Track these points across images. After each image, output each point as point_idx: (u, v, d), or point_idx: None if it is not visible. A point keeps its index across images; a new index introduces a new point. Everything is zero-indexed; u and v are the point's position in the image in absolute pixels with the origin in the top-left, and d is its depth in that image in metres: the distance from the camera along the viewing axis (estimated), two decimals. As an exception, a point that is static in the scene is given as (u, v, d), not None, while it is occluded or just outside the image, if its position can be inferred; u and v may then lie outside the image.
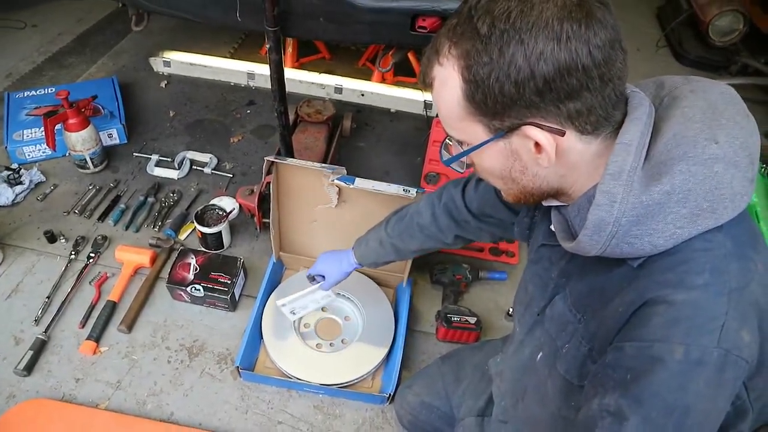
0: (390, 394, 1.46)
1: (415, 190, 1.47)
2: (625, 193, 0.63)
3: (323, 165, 1.48)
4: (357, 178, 1.48)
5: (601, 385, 0.65)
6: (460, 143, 0.72)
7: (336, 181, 1.47)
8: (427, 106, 2.47)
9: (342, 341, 1.63)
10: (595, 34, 0.60)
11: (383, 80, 2.60)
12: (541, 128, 0.65)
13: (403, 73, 2.63)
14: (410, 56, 2.49)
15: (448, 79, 0.66)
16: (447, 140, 0.78)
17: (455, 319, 1.67)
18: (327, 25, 1.38)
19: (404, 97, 2.50)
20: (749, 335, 0.61)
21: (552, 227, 0.84)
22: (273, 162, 1.47)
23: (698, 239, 0.63)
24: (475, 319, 1.68)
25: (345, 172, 1.48)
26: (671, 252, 0.64)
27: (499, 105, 0.64)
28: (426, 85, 0.71)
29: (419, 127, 2.47)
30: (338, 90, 2.50)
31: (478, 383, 1.25)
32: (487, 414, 1.19)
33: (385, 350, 1.58)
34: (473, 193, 1.17)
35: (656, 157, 0.65)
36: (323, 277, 1.43)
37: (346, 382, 1.51)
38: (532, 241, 1.00)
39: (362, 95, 2.51)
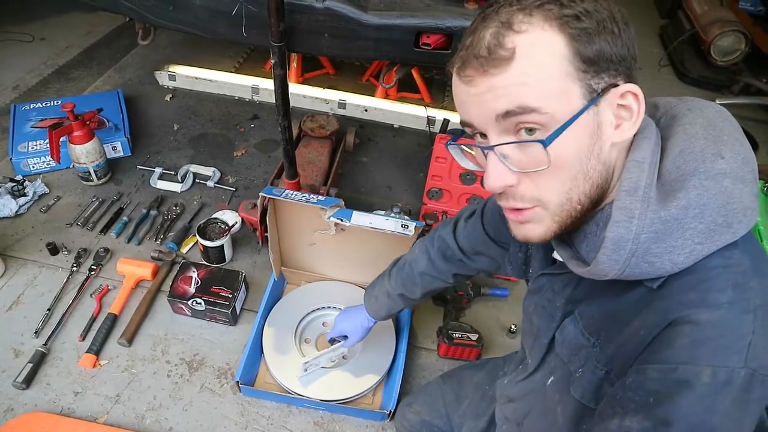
0: (390, 411, 1.45)
1: (414, 224, 1.45)
2: (642, 209, 0.62)
3: (319, 199, 1.47)
4: (354, 213, 1.46)
5: (621, 406, 0.64)
6: (531, 130, 0.62)
7: (332, 218, 1.47)
8: (430, 121, 2.48)
9: (343, 357, 1.61)
10: (630, 29, 0.64)
11: (387, 96, 2.61)
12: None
13: (406, 89, 2.65)
14: (414, 73, 2.52)
15: (544, 40, 0.60)
16: (453, 144, 0.74)
17: (457, 335, 1.66)
18: (332, 41, 1.39)
19: (407, 112, 2.51)
20: None
21: (555, 255, 0.83)
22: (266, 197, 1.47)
23: (716, 257, 0.62)
24: (477, 335, 1.67)
25: (343, 204, 1.48)
26: (690, 271, 0.62)
27: (604, 59, 0.61)
28: (496, 60, 0.61)
29: (422, 142, 2.48)
30: (342, 105, 2.52)
31: (479, 403, 1.24)
32: (489, 435, 1.18)
33: (386, 366, 1.57)
34: (463, 233, 1.17)
35: (667, 174, 0.64)
36: (345, 337, 1.45)
37: (347, 399, 1.50)
38: (532, 273, 0.97)
39: (365, 110, 2.53)
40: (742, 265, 0.62)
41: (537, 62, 0.60)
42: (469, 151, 0.77)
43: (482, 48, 0.62)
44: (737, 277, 0.61)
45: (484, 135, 0.67)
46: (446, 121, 2.27)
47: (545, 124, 0.61)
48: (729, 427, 0.58)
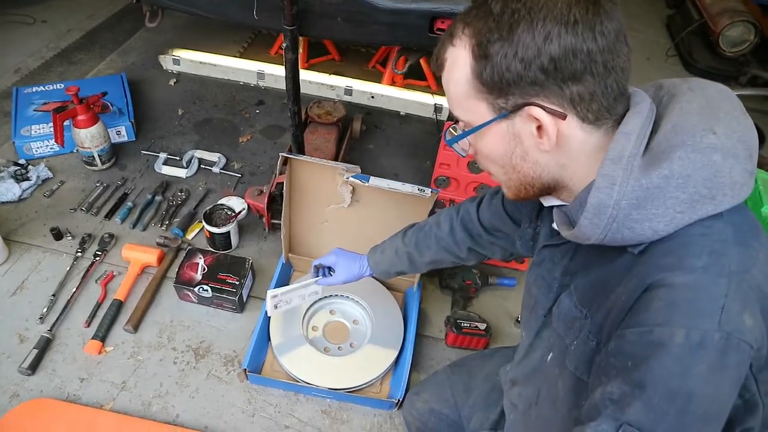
0: (399, 400, 1.44)
1: (430, 190, 1.46)
2: (624, 176, 0.64)
3: (338, 162, 1.46)
4: (372, 177, 1.46)
5: (605, 374, 0.65)
6: (464, 126, 0.75)
7: (351, 179, 1.46)
8: (437, 109, 2.46)
9: (350, 345, 1.61)
10: (602, 22, 0.63)
11: (393, 83, 2.58)
12: (544, 109, 0.66)
13: (413, 76, 2.62)
14: (422, 60, 2.48)
15: (459, 58, 0.69)
16: (451, 128, 0.80)
17: (465, 325, 1.65)
18: (345, 26, 1.36)
19: (414, 100, 2.49)
20: (752, 319, 0.60)
21: (554, 226, 0.85)
22: (286, 160, 1.45)
23: (698, 225, 0.63)
24: (485, 325, 1.66)
25: (359, 170, 1.47)
26: (670, 238, 0.64)
27: (505, 82, 0.66)
28: (438, 66, 0.74)
29: (428, 130, 2.46)
30: (348, 92, 2.49)
31: (488, 394, 1.23)
32: (500, 427, 1.17)
33: (394, 355, 1.56)
34: (486, 209, 1.19)
35: (655, 146, 0.66)
36: (331, 270, 1.42)
37: (355, 387, 1.49)
38: (537, 250, 1.00)
39: (372, 97, 2.50)
40: (722, 234, 0.63)
41: (453, 77, 0.71)
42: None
43: (435, 51, 0.75)
44: (715, 244, 0.62)
45: None
46: (454, 109, 2.24)
47: (465, 125, 0.74)
48: (707, 393, 0.59)
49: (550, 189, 0.76)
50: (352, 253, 1.42)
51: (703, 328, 0.58)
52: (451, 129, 0.80)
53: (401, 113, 2.52)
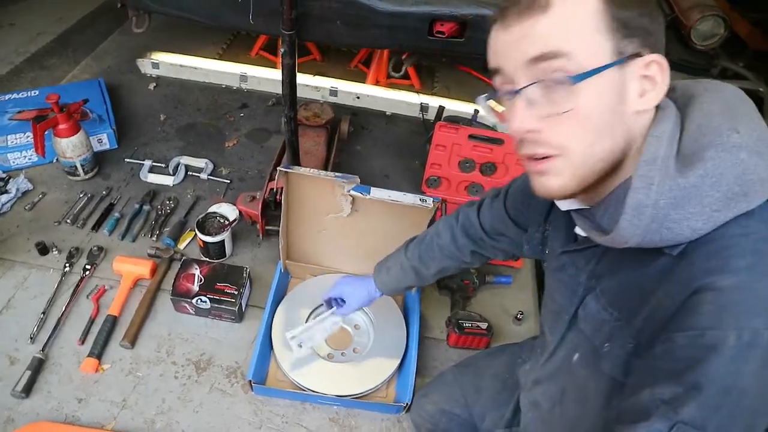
0: (407, 404, 1.44)
1: (431, 199, 1.45)
2: (661, 176, 0.65)
3: (337, 174, 1.44)
4: (372, 188, 1.45)
5: (651, 376, 0.66)
6: (558, 82, 0.66)
7: (351, 192, 1.44)
8: (424, 108, 2.45)
9: (354, 350, 1.60)
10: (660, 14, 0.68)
11: (377, 82, 2.57)
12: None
13: (396, 76, 2.61)
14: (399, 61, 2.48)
15: None
16: (483, 100, 0.76)
17: (467, 325, 1.66)
18: (344, 29, 1.35)
19: (400, 99, 2.48)
20: None
21: (577, 231, 0.85)
22: (285, 171, 1.43)
23: (734, 225, 0.64)
24: (486, 324, 1.67)
25: (358, 181, 1.45)
26: (710, 240, 0.65)
27: (633, 23, 0.65)
28: (538, 7, 0.65)
29: (415, 130, 2.45)
30: (333, 92, 2.46)
31: (500, 392, 1.24)
32: (514, 425, 1.19)
33: (398, 358, 1.55)
34: (487, 212, 1.19)
35: (685, 148, 0.67)
36: (342, 301, 1.42)
37: (361, 393, 1.48)
38: (548, 253, 1.00)
39: (358, 98, 2.48)
40: (760, 233, 0.64)
41: (571, 12, 0.65)
42: (497, 110, 0.78)
43: None
44: (756, 243, 0.63)
45: (506, 91, 0.71)
46: (441, 108, 2.24)
47: (573, 72, 0.65)
48: (757, 388, 0.61)
49: (615, 170, 0.72)
50: (357, 277, 1.42)
51: (753, 327, 0.59)
52: (518, 93, 0.68)
53: (387, 113, 2.51)
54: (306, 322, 1.60)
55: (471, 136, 1.94)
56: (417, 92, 2.51)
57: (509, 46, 0.68)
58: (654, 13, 0.67)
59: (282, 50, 1.29)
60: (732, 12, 3.18)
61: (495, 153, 1.97)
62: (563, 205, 0.84)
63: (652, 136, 0.67)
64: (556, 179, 0.71)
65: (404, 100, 2.48)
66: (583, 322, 0.83)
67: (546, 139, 0.69)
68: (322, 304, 1.65)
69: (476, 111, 2.22)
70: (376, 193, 1.44)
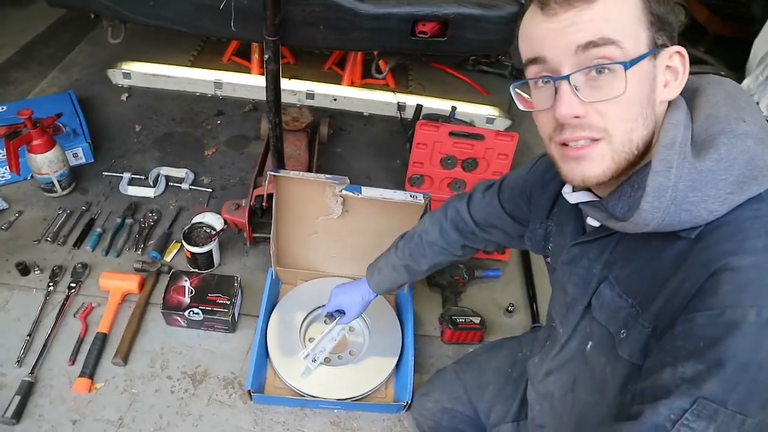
0: (408, 403, 1.45)
1: (422, 195, 1.47)
2: (680, 160, 0.68)
3: (327, 177, 1.44)
4: (363, 188, 1.46)
5: (672, 356, 0.68)
6: (601, 68, 0.69)
7: (344, 192, 1.44)
8: (401, 107, 2.46)
9: (350, 353, 1.60)
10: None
11: (353, 84, 2.57)
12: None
13: (370, 75, 2.61)
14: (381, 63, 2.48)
15: None
16: (514, 87, 0.79)
17: (460, 320, 1.68)
18: (327, 33, 1.34)
19: (376, 99, 2.49)
20: None
21: (589, 222, 0.88)
22: (274, 176, 1.42)
23: (746, 209, 0.68)
24: (479, 318, 1.70)
25: (348, 181, 1.46)
26: (724, 223, 0.68)
27: (662, 21, 0.70)
28: None
29: (393, 129, 2.46)
30: (310, 95, 2.46)
31: (504, 387, 1.26)
32: (521, 418, 1.21)
33: (395, 358, 1.56)
34: (479, 205, 1.21)
35: (697, 136, 0.71)
36: (342, 312, 1.43)
37: (361, 395, 1.49)
38: (553, 248, 1.02)
39: (335, 100, 2.48)
40: None
41: (618, 3, 0.68)
42: (525, 96, 0.81)
43: None
44: None
45: (547, 78, 0.73)
46: (419, 107, 2.26)
47: (617, 58, 0.68)
48: None
49: (643, 156, 0.75)
50: (349, 284, 1.44)
51: None
52: (580, 74, 0.70)
53: (365, 114, 2.52)
54: (301, 327, 1.61)
55: (452, 133, 1.96)
56: (393, 92, 2.53)
57: (556, 33, 0.70)
58: (676, 10, 0.73)
59: (266, 56, 1.29)
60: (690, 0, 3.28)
61: (476, 149, 1.99)
62: (573, 198, 0.86)
63: (669, 123, 0.71)
64: (596, 165, 0.73)
65: (381, 100, 2.49)
66: (598, 311, 0.85)
67: (590, 123, 0.71)
68: (315, 309, 1.65)
69: (454, 108, 2.25)
70: (367, 192, 1.44)
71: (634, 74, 0.68)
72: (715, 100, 0.73)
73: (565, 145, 0.75)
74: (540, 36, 0.72)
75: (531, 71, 0.76)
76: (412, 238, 1.30)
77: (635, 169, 0.75)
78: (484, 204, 1.19)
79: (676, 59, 0.73)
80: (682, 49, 0.73)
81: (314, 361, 1.48)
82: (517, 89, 0.80)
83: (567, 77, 0.70)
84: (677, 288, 0.70)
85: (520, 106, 0.80)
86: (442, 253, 1.28)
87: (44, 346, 1.51)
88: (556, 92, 0.72)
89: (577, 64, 0.70)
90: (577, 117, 0.71)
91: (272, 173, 1.40)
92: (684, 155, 0.69)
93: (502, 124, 2.50)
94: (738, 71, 2.62)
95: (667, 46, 0.71)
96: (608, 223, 0.78)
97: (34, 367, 1.46)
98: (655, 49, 0.70)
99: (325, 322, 1.48)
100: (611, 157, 0.73)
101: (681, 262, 0.71)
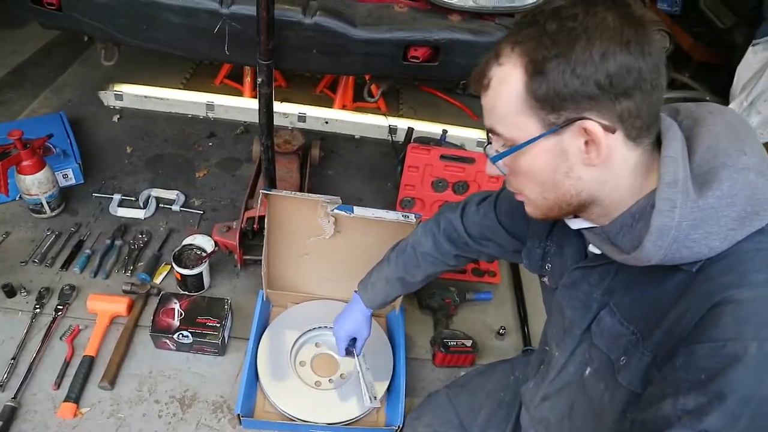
0: (399, 427, 1.43)
1: (413, 215, 1.47)
2: (683, 199, 0.68)
3: (319, 196, 1.45)
4: (355, 207, 1.46)
5: (673, 387, 0.68)
6: (502, 146, 0.78)
7: (336, 211, 1.45)
8: (392, 131, 2.49)
9: (341, 376, 1.58)
10: (648, 43, 0.68)
11: (344, 107, 2.59)
12: (597, 123, 0.69)
13: (361, 99, 2.64)
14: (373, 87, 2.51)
15: (509, 76, 0.72)
16: (486, 146, 0.82)
17: (452, 343, 1.67)
18: (320, 57, 1.36)
19: (368, 123, 2.51)
20: None
21: (591, 248, 0.87)
22: (266, 195, 1.42)
23: (747, 242, 0.68)
24: (471, 341, 1.69)
25: (340, 201, 1.46)
26: (725, 255, 0.68)
27: (560, 97, 0.69)
28: (482, 86, 0.76)
29: (384, 152, 2.48)
30: (302, 118, 2.47)
31: (497, 411, 1.25)
32: (516, 442, 1.20)
33: (387, 381, 1.55)
34: (473, 218, 1.20)
35: (698, 168, 0.71)
36: (354, 340, 1.43)
37: (352, 419, 1.47)
38: (552, 268, 1.02)
39: (326, 123, 2.50)
40: None
41: (502, 94, 0.73)
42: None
43: (476, 72, 0.77)
44: None
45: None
46: (410, 130, 2.28)
47: (509, 142, 0.76)
48: None
49: (584, 207, 0.78)
50: (344, 311, 1.42)
51: None
52: (487, 148, 0.81)
53: (356, 137, 2.53)
54: (291, 350, 1.59)
55: (443, 156, 1.98)
56: (385, 115, 2.55)
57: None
58: (604, 71, 0.67)
59: (259, 80, 1.30)
60: (674, 26, 3.37)
61: (467, 172, 2.01)
62: (574, 224, 0.86)
63: (668, 157, 0.71)
64: (531, 210, 0.84)
65: (372, 123, 2.51)
66: (598, 337, 0.85)
67: (510, 183, 0.83)
68: (306, 332, 1.64)
69: (444, 131, 2.27)
70: (359, 211, 1.45)
71: (524, 155, 0.75)
72: (715, 131, 0.72)
73: None
74: None
75: None
76: (405, 250, 1.29)
77: (633, 203, 0.75)
78: (479, 217, 1.19)
79: (592, 131, 0.69)
80: (591, 126, 0.69)
81: (375, 398, 1.44)
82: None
83: (485, 147, 0.82)
84: (679, 318, 0.70)
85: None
86: (436, 263, 1.27)
87: (29, 370, 1.48)
88: None
89: (493, 136, 0.79)
90: (497, 176, 0.82)
91: (264, 191, 1.40)
92: (687, 192, 0.68)
93: (492, 147, 2.53)
94: (722, 96, 2.68)
95: (581, 118, 0.69)
96: (611, 253, 0.78)
97: (17, 391, 1.43)
98: (553, 129, 0.71)
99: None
100: (535, 206, 0.82)
101: (682, 293, 0.71)
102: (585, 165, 0.73)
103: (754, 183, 0.68)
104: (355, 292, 1.39)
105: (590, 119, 0.69)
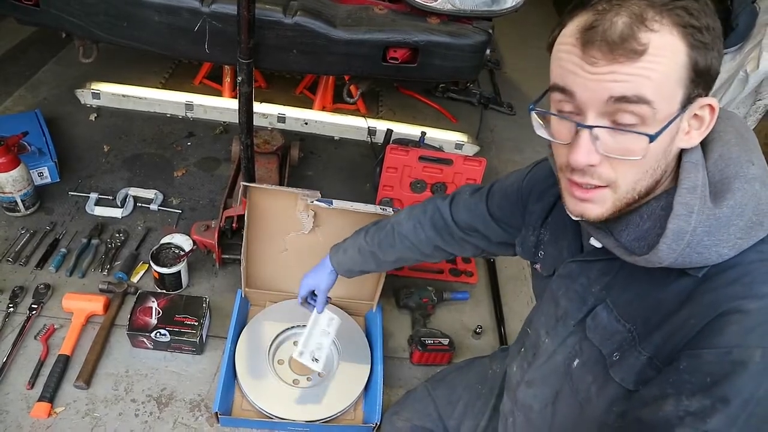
0: (377, 424, 1.45)
1: (391, 209, 1.50)
2: (701, 204, 0.69)
3: (299, 189, 1.46)
4: (334, 200, 1.48)
5: (675, 388, 0.69)
6: (630, 126, 0.67)
7: (315, 203, 1.46)
8: (371, 132, 2.51)
9: (319, 375, 1.59)
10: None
11: (324, 108, 2.61)
12: (712, 101, 0.70)
13: (341, 100, 2.66)
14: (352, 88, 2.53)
15: (670, 44, 0.65)
16: (534, 110, 0.75)
17: (429, 342, 1.70)
18: (300, 57, 1.37)
19: (347, 124, 2.53)
20: None
21: (592, 242, 0.86)
22: (246, 189, 1.43)
23: (752, 252, 0.70)
24: (448, 340, 1.72)
25: (320, 194, 1.48)
26: (731, 265, 0.70)
27: (708, 72, 0.68)
28: (628, 51, 0.64)
29: (363, 153, 2.50)
30: (281, 119, 2.48)
31: (474, 403, 1.27)
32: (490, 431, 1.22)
33: (365, 379, 1.56)
34: (463, 208, 1.19)
35: (711, 176, 0.72)
36: (313, 294, 1.42)
37: (330, 416, 1.48)
38: (545, 256, 1.02)
39: (306, 123, 2.51)
40: None
41: (662, 62, 0.65)
42: (540, 122, 0.78)
43: (615, 34, 0.65)
44: None
45: (573, 113, 0.71)
46: (390, 131, 2.30)
47: (647, 118, 0.66)
48: None
49: (637, 201, 0.75)
50: (315, 267, 1.42)
51: None
52: (596, 131, 0.69)
53: (335, 138, 2.55)
54: (269, 348, 1.59)
55: (421, 158, 2.00)
56: (364, 116, 2.57)
57: (592, 78, 0.67)
58: (721, 50, 0.68)
59: (239, 78, 1.31)
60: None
61: (445, 173, 2.04)
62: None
63: (690, 162, 0.72)
64: (597, 208, 0.75)
65: (352, 124, 2.53)
66: (592, 331, 0.86)
67: (600, 174, 0.72)
68: (284, 331, 1.65)
69: (423, 133, 2.30)
70: (339, 203, 1.46)
71: (658, 138, 0.67)
72: (726, 138, 0.74)
73: (573, 181, 0.75)
74: (573, 71, 0.69)
75: (554, 97, 0.73)
76: (384, 227, 1.28)
77: (634, 205, 0.75)
78: (471, 207, 1.18)
79: (705, 110, 0.70)
80: (714, 102, 0.70)
81: (316, 360, 1.42)
82: (534, 112, 0.77)
83: (590, 128, 0.69)
84: (682, 324, 0.72)
85: (538, 132, 0.78)
86: (411, 249, 1.26)
87: (1, 370, 1.46)
88: (576, 133, 0.70)
89: (604, 114, 0.68)
90: (591, 165, 0.71)
91: (245, 184, 1.41)
92: (704, 200, 0.69)
93: (471, 149, 2.57)
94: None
95: (702, 96, 0.69)
96: (617, 251, 0.79)
97: (-10, 391, 1.42)
98: (686, 106, 0.68)
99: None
100: (612, 202, 0.74)
101: (686, 299, 0.73)
102: (678, 148, 0.72)
103: (760, 193, 0.70)
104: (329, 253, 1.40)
105: (707, 97, 0.70)
